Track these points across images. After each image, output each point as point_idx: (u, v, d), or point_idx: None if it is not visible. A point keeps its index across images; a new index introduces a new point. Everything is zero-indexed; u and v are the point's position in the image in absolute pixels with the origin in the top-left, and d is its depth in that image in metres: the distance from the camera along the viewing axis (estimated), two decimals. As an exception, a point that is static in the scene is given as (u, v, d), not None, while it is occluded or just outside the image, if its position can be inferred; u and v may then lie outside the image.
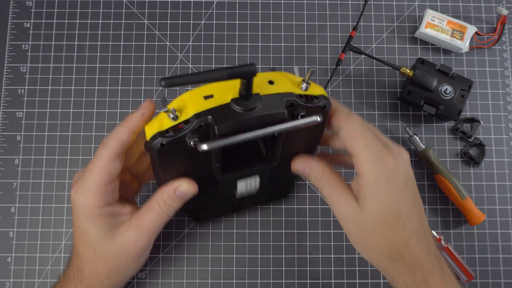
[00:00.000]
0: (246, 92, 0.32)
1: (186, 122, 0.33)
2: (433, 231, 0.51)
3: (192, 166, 0.38)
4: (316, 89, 0.37)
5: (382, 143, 0.37)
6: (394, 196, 0.36)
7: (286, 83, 0.36)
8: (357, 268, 0.51)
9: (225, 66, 0.38)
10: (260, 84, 0.35)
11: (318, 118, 0.34)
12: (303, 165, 0.41)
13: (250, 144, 0.37)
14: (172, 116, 0.34)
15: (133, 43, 0.56)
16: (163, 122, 0.34)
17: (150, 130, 0.35)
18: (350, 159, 0.38)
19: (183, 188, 0.39)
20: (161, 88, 0.55)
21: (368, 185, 0.36)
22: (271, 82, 0.35)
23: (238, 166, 0.40)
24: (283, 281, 0.51)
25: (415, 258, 0.36)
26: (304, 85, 0.36)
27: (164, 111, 0.34)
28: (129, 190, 0.44)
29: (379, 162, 0.35)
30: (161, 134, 0.34)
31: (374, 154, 0.36)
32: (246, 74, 0.31)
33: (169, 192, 0.39)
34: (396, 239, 0.36)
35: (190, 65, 0.56)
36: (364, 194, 0.36)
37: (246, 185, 0.42)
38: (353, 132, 0.37)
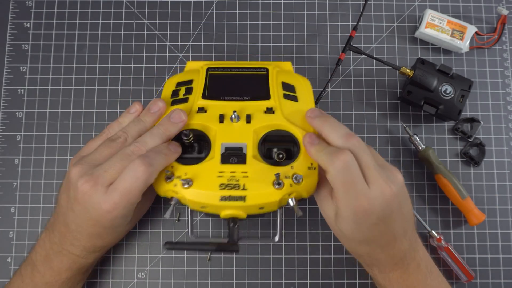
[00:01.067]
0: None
1: None
2: (433, 231, 0.51)
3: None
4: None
5: (358, 186, 0.38)
6: (365, 231, 0.40)
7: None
8: (357, 268, 0.51)
9: (215, 241, 0.40)
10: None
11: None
12: (313, 137, 0.42)
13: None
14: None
15: (133, 43, 0.56)
16: None
17: None
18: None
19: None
20: (161, 88, 0.55)
21: (342, 218, 0.40)
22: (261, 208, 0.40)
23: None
24: (283, 281, 0.51)
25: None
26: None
27: None
28: None
29: (352, 205, 0.38)
30: None
31: (348, 200, 0.38)
32: (230, 250, 0.38)
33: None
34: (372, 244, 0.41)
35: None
36: (339, 220, 0.40)
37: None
38: (335, 177, 0.38)
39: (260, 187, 0.39)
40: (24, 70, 0.56)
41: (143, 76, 0.55)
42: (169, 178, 0.40)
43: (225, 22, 0.57)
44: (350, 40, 0.52)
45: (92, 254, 0.44)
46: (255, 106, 0.44)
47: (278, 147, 0.42)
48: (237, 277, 0.51)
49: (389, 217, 0.39)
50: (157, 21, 0.57)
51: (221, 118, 0.43)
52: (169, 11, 0.57)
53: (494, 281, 0.51)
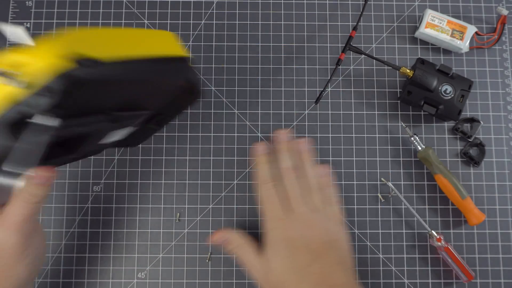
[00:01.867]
0: None
1: None
2: (433, 231, 0.51)
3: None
4: (44, 70, 0.26)
5: (286, 210, 0.43)
6: (290, 258, 0.42)
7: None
8: (357, 268, 0.51)
9: None
10: None
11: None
12: (221, 238, 0.47)
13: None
14: None
15: (133, 43, 0.56)
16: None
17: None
18: None
19: (40, 175, 0.37)
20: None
21: (269, 245, 0.43)
22: None
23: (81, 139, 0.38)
24: (283, 281, 0.51)
25: None
26: (11, 80, 0.27)
27: None
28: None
29: (277, 231, 0.43)
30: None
31: (274, 223, 0.43)
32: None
33: (28, 184, 0.37)
34: None
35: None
36: (267, 249, 0.43)
37: (115, 135, 0.40)
38: (262, 198, 0.44)
39: None
40: (24, 70, 0.56)
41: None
42: None
43: (225, 22, 0.57)
44: (350, 40, 0.52)
45: None
46: None
47: None
48: (237, 277, 0.51)
49: (310, 250, 0.42)
50: (157, 21, 0.57)
51: None
52: (169, 11, 0.57)
53: (494, 281, 0.51)
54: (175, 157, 0.54)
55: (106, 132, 0.38)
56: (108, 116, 0.35)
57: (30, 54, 0.26)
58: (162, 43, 0.38)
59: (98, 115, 0.34)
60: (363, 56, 0.55)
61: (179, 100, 0.45)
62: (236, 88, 0.55)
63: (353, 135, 0.54)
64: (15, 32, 0.28)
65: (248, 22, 0.57)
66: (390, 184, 0.53)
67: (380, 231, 0.52)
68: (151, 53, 0.34)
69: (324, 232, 0.43)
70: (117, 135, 0.41)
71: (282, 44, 0.56)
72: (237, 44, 0.56)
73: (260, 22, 0.57)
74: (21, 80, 0.25)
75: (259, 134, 0.54)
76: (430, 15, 0.55)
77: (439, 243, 0.50)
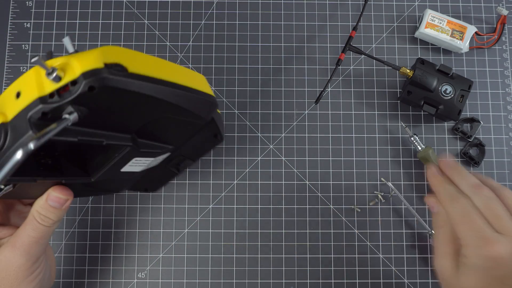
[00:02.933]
0: None
1: None
2: (433, 231, 0.51)
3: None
4: (75, 68, 0.28)
5: (490, 229, 0.36)
6: (491, 284, 0.36)
7: (33, 87, 0.28)
8: (357, 268, 0.51)
9: None
10: (7, 104, 0.29)
11: (19, 155, 0.26)
12: (435, 204, 0.42)
13: (100, 150, 0.36)
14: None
15: (133, 43, 0.56)
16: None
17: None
18: None
19: (54, 196, 0.36)
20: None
21: (468, 267, 0.37)
22: (18, 95, 0.29)
23: (102, 164, 0.37)
24: (283, 281, 0.51)
25: None
26: (53, 76, 0.28)
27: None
28: (21, 217, 0.42)
29: (481, 250, 0.36)
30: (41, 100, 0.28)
31: (476, 241, 0.36)
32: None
33: (41, 203, 0.37)
34: None
35: (190, 65, 0.56)
36: (463, 270, 0.37)
37: (136, 165, 0.39)
38: (456, 216, 0.38)
39: None
40: (24, 70, 0.56)
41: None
42: None
43: (225, 22, 0.57)
44: (350, 40, 0.52)
45: None
46: None
47: None
48: (237, 277, 0.51)
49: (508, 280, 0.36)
50: (157, 21, 0.57)
51: None
52: (169, 11, 0.57)
53: (494, 281, 0.51)
54: (175, 157, 0.54)
55: (126, 158, 0.37)
56: (129, 137, 0.35)
57: (69, 57, 0.29)
58: (195, 79, 0.38)
59: (119, 132, 0.34)
60: (363, 56, 0.55)
61: (201, 141, 0.44)
62: (236, 88, 0.55)
63: (353, 135, 0.54)
64: (65, 41, 0.30)
65: (248, 22, 0.57)
66: (390, 184, 0.53)
67: (380, 231, 0.52)
68: (183, 81, 0.35)
69: None
70: (138, 165, 0.40)
71: (282, 44, 0.56)
72: (237, 44, 0.56)
73: (260, 22, 0.57)
74: (55, 75, 0.28)
75: (259, 134, 0.54)
76: (430, 15, 0.55)
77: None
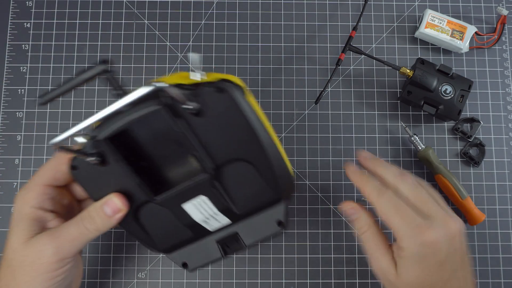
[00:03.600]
0: (113, 86, 0.34)
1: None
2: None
3: (125, 189, 0.37)
4: (216, 76, 0.34)
5: (421, 216, 0.36)
6: (432, 270, 0.36)
7: (178, 78, 0.34)
8: (357, 268, 0.51)
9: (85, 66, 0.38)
10: (165, 79, 0.35)
11: (157, 86, 0.31)
12: (352, 211, 0.41)
13: (177, 169, 0.37)
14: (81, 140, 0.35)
15: (133, 43, 0.56)
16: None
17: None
18: None
19: (112, 201, 0.37)
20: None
21: (406, 258, 0.37)
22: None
23: (171, 183, 0.38)
24: (283, 281, 0.51)
25: None
26: (198, 75, 0.33)
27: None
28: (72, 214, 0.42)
29: (417, 238, 0.36)
30: (72, 161, 0.36)
31: (411, 231, 0.36)
32: (97, 74, 0.34)
33: (96, 206, 0.38)
34: None
35: (190, 65, 0.56)
36: (402, 264, 0.37)
37: (198, 209, 0.38)
38: (386, 210, 0.38)
39: None
40: (24, 70, 0.56)
41: (143, 76, 0.55)
42: None
43: (225, 22, 0.57)
44: (350, 40, 0.52)
45: None
46: None
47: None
48: (237, 277, 0.51)
49: (454, 261, 0.36)
50: (157, 21, 0.57)
51: None
52: (169, 11, 0.57)
53: (494, 281, 0.51)
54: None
55: (196, 190, 0.37)
56: (211, 166, 0.36)
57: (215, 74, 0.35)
58: (283, 151, 0.38)
59: (207, 153, 0.36)
60: (363, 56, 0.55)
61: (263, 223, 0.41)
62: (236, 88, 0.55)
63: (353, 135, 0.54)
64: (194, 58, 0.34)
65: (248, 22, 0.57)
66: None
67: (380, 231, 0.52)
68: (276, 141, 0.36)
69: (463, 238, 0.38)
70: (199, 211, 0.39)
71: (282, 44, 0.56)
72: (237, 44, 0.56)
73: (260, 22, 0.57)
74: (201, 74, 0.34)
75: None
76: (430, 15, 0.55)
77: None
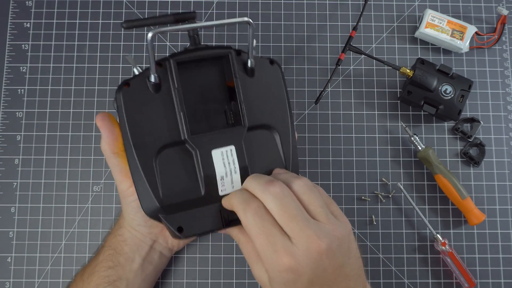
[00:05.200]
0: (192, 32, 0.38)
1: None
2: (438, 235, 0.50)
3: (160, 125, 0.38)
4: None
5: (284, 235, 0.32)
6: None
7: None
8: (357, 268, 0.51)
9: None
10: None
11: (246, 18, 0.37)
12: (227, 204, 0.37)
13: (217, 117, 0.40)
14: (138, 70, 0.39)
15: (133, 43, 0.56)
16: None
17: None
18: None
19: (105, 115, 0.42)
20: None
21: (272, 281, 0.33)
22: None
23: (207, 128, 0.40)
24: (283, 281, 0.51)
25: None
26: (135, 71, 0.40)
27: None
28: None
29: (277, 266, 0.32)
30: (126, 80, 0.38)
31: (271, 256, 0.32)
32: (188, 18, 0.38)
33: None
34: None
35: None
36: (273, 286, 0.34)
37: (224, 159, 0.38)
38: (251, 226, 0.33)
39: None
40: (24, 70, 0.56)
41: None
42: None
43: (225, 22, 0.57)
44: (350, 40, 0.52)
45: None
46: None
47: None
48: (237, 277, 0.51)
49: (324, 278, 0.33)
50: (157, 21, 0.57)
51: None
52: (169, 11, 0.57)
53: (494, 281, 0.51)
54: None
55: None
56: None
57: None
58: None
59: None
60: (363, 56, 0.55)
61: None
62: (236, 88, 0.55)
63: (353, 135, 0.54)
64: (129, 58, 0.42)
65: (248, 22, 0.57)
66: (400, 185, 0.53)
67: (380, 231, 0.52)
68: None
69: (334, 252, 0.33)
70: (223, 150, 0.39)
71: (282, 44, 0.56)
72: (237, 44, 0.56)
73: (260, 22, 0.57)
74: None
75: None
76: (430, 15, 0.55)
77: (444, 248, 0.50)
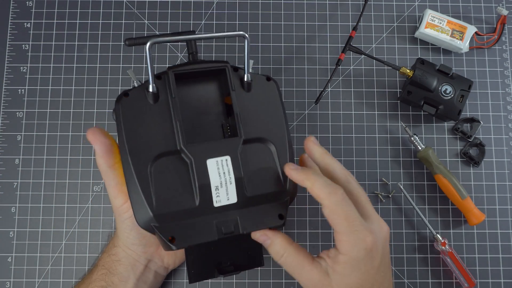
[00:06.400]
0: (192, 49, 0.42)
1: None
2: (438, 235, 0.50)
3: (156, 134, 0.38)
4: None
5: (362, 220, 0.36)
6: (369, 275, 0.36)
7: None
8: (357, 268, 0.51)
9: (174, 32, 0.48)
10: None
11: (241, 32, 0.39)
12: (264, 237, 0.38)
13: (213, 129, 0.41)
14: (138, 83, 0.40)
15: (133, 43, 0.56)
16: None
17: None
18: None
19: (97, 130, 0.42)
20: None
21: (346, 264, 0.35)
22: None
23: (203, 139, 0.40)
24: (283, 281, 0.51)
25: None
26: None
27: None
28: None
29: (360, 244, 0.35)
30: (125, 90, 0.39)
31: (356, 236, 0.35)
32: (189, 40, 0.41)
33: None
34: None
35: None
36: (339, 271, 0.36)
37: (219, 169, 0.38)
38: (335, 211, 0.35)
39: None
40: (24, 70, 0.56)
41: (143, 76, 0.55)
42: None
43: (225, 22, 0.57)
44: (350, 40, 0.52)
45: None
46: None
47: None
48: (237, 277, 0.51)
49: (386, 259, 0.37)
50: (157, 21, 0.57)
51: None
52: (169, 11, 0.57)
53: (494, 281, 0.51)
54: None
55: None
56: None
57: None
58: None
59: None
60: (363, 56, 0.55)
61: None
62: (236, 88, 0.55)
63: (353, 135, 0.54)
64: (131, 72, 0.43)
65: (248, 22, 0.57)
66: (400, 185, 0.53)
67: (380, 231, 0.52)
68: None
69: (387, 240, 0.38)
70: (218, 169, 0.39)
71: (282, 44, 0.56)
72: (237, 44, 0.56)
73: (260, 22, 0.57)
74: None
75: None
76: (430, 15, 0.55)
77: (444, 248, 0.50)
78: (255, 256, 0.42)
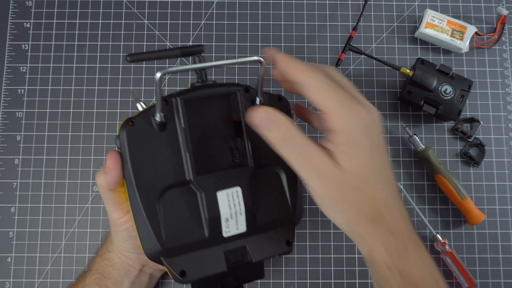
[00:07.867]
0: (201, 72, 0.38)
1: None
2: (438, 235, 0.50)
3: (164, 164, 0.37)
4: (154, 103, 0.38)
5: (352, 98, 0.35)
6: (372, 150, 0.33)
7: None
8: (357, 268, 0.51)
9: (179, 46, 0.43)
10: None
11: (256, 57, 0.35)
12: (260, 116, 0.34)
13: (222, 156, 0.38)
14: (141, 105, 0.37)
15: (133, 43, 0.56)
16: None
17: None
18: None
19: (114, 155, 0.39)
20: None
21: (346, 139, 0.33)
22: None
23: (212, 167, 0.38)
24: (283, 281, 0.51)
25: (395, 221, 0.33)
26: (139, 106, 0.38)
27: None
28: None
29: (353, 113, 0.33)
30: (130, 118, 0.36)
31: (351, 111, 0.33)
32: (195, 52, 0.38)
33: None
34: (377, 197, 0.33)
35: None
36: (342, 149, 0.33)
37: (229, 201, 0.38)
38: (321, 87, 0.33)
39: None
40: (24, 70, 0.56)
41: (143, 76, 0.55)
42: None
43: (225, 22, 0.57)
44: (350, 40, 0.52)
45: None
46: None
47: None
48: (237, 277, 0.51)
49: (383, 142, 0.35)
50: (157, 21, 0.57)
51: None
52: (169, 11, 0.57)
53: (493, 281, 0.51)
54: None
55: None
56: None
57: None
58: None
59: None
60: (363, 56, 0.55)
61: (270, 240, 0.40)
62: (236, 88, 0.55)
63: (353, 135, 0.54)
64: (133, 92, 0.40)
65: (248, 22, 0.57)
66: (400, 185, 0.53)
67: (380, 231, 0.52)
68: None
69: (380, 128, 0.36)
70: (230, 193, 0.38)
71: (282, 44, 0.56)
72: (237, 44, 0.56)
73: (260, 22, 0.57)
74: None
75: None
76: (430, 15, 0.55)
77: (444, 248, 0.50)
78: (257, 269, 0.42)
